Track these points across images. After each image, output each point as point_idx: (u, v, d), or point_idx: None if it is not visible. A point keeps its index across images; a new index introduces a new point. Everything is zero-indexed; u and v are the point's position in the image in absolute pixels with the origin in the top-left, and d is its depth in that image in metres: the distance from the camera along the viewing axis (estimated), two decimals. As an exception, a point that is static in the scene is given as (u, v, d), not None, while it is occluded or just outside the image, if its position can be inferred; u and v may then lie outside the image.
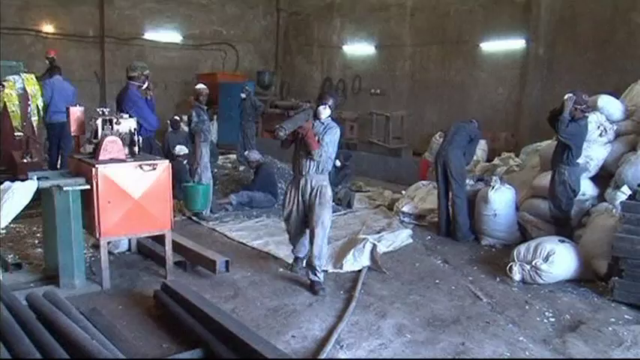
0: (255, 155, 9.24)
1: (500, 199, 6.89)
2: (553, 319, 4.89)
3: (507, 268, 5.87)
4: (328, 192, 5.44)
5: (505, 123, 12.11)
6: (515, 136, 11.88)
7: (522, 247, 5.91)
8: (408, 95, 14.49)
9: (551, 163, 6.60)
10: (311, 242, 5.43)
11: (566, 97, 6.22)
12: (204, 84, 8.57)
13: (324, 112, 5.46)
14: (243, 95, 12.52)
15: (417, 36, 14.22)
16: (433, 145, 12.36)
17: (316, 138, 5.27)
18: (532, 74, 11.90)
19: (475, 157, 8.42)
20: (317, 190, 5.39)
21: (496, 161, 9.41)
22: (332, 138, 5.40)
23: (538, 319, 4.90)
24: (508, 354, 4.24)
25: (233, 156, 12.96)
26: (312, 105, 8.93)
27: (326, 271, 5.91)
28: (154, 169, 5.22)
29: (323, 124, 5.45)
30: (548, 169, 6.76)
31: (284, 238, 7.10)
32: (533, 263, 5.68)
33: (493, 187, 6.92)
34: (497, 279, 5.85)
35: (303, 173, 5.42)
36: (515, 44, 12.25)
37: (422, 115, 13.70)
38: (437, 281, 5.78)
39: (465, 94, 13.09)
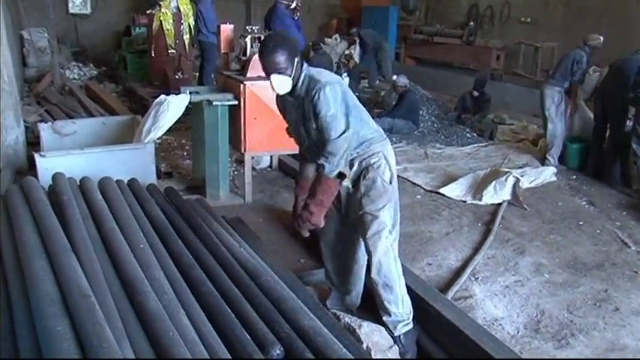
0: (403, 80, 9.01)
1: (659, 142, 6.28)
2: None
3: (663, 217, 5.43)
4: (379, 174, 3.03)
5: (672, 59, 10.93)
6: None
7: (683, 197, 5.41)
8: (561, 25, 13.39)
9: None
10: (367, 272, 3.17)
11: None
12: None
13: (278, 83, 2.97)
14: None
15: (579, -43, 12.98)
16: (586, 80, 11.51)
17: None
18: None
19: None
20: (361, 175, 3.06)
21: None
22: (329, 105, 2.81)
23: (695, 276, 4.49)
24: (657, 309, 3.97)
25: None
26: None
27: (464, 201, 5.83)
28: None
29: (294, 95, 3.01)
30: None
31: (424, 165, 7.04)
32: (694, 215, 5.20)
33: (651, 128, 6.31)
34: (649, 227, 5.41)
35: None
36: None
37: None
38: (580, 223, 5.47)
39: (628, 24, 11.82)
